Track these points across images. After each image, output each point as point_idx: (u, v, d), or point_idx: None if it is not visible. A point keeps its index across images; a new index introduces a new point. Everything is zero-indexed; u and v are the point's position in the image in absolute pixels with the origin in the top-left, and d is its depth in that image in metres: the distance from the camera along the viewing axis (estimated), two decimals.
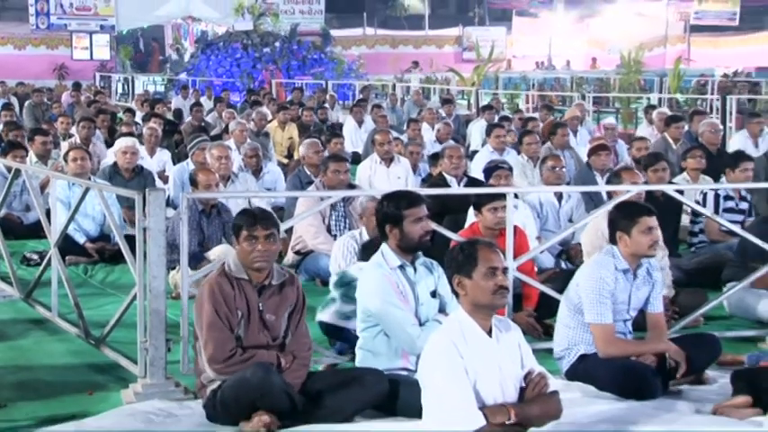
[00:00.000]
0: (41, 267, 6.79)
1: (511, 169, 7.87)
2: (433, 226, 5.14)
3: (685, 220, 8.19)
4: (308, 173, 8.94)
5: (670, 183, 7.78)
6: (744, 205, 7.95)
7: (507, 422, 3.55)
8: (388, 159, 9.79)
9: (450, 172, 8.48)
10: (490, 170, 7.71)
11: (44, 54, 34.59)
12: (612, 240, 5.12)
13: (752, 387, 4.66)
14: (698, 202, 7.62)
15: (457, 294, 3.68)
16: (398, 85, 24.34)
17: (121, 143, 9.59)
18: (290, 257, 7.77)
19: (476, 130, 14.32)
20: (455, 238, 5.77)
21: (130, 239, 5.30)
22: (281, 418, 4.36)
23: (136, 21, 35.41)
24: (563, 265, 7.50)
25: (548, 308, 5.86)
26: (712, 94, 20.95)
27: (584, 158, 9.82)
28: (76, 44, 35.15)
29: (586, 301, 4.97)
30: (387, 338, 4.80)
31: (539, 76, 31.51)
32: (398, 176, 9.65)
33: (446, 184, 8.29)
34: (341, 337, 5.48)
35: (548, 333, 5.78)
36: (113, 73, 32.00)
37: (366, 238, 6.20)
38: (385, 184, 9.17)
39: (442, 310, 4.86)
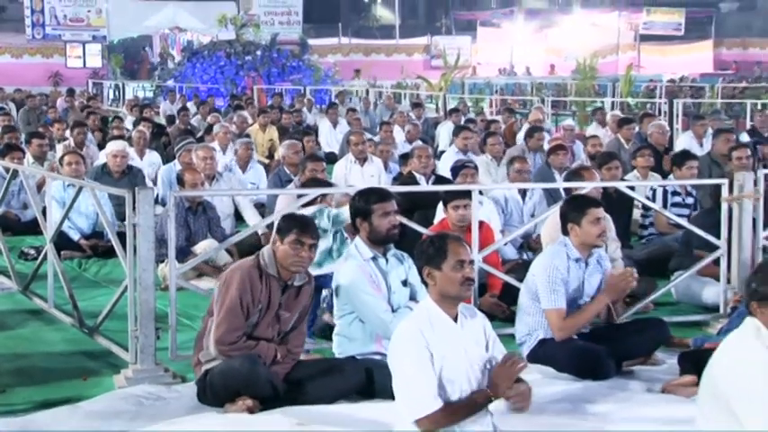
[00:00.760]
0: (38, 262, 6.75)
1: (476, 168, 7.88)
2: (403, 220, 5.14)
3: (636, 214, 8.24)
4: (288, 172, 8.93)
5: (622, 180, 7.83)
6: (689, 200, 8.01)
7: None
8: (362, 159, 9.80)
9: (420, 170, 8.48)
10: (457, 169, 7.72)
11: (40, 62, 34.36)
12: (565, 232, 5.14)
13: (697, 367, 4.66)
14: (648, 198, 7.66)
15: (426, 284, 3.68)
16: (371, 91, 24.34)
17: (112, 147, 9.50)
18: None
19: (443, 132, 14.34)
20: (425, 232, 5.79)
21: (122, 235, 5.26)
22: (265, 404, 4.35)
23: (126, 31, 35.16)
24: (525, 256, 7.52)
25: (511, 296, 5.88)
26: (660, 98, 21.09)
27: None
28: (70, 53, 34.97)
29: (541, 289, 4.98)
30: (361, 325, 4.81)
31: (501, 82, 31.60)
32: (372, 175, 9.67)
33: (415, 182, 8.29)
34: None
35: (511, 318, 5.79)
36: (105, 80, 31.77)
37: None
38: (359, 181, 9.15)
39: (412, 297, 4.89)
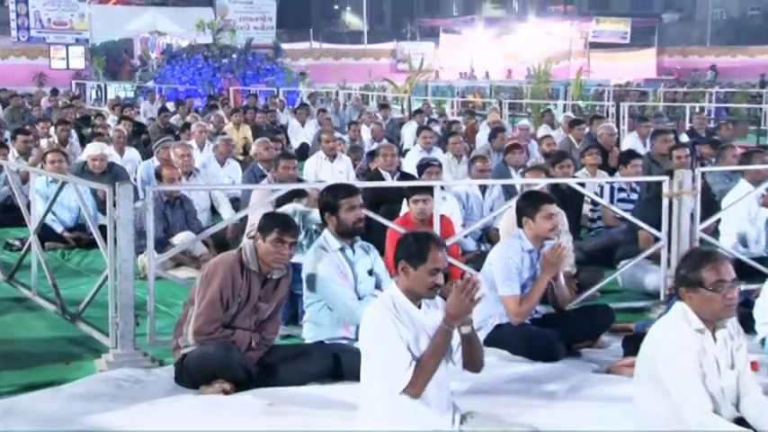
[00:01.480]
0: (22, 252, 6.67)
1: (441, 166, 7.90)
2: (369, 214, 5.14)
3: (586, 208, 8.30)
4: (261, 168, 8.89)
5: (573, 177, 7.88)
6: (634, 196, 8.07)
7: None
8: (332, 156, 9.77)
9: (385, 168, 8.48)
10: (423, 167, 7.71)
11: (25, 64, 33.86)
12: (520, 225, 5.17)
13: (639, 350, 4.74)
14: (596, 194, 7.73)
15: (395, 271, 3.64)
16: (341, 92, 24.28)
17: (89, 151, 9.28)
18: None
19: (408, 132, 14.33)
20: (390, 225, 5.80)
21: (104, 228, 5.21)
22: (239, 386, 4.35)
23: (108, 34, 34.78)
24: (483, 247, 7.55)
25: None
26: (608, 101, 21.25)
27: None
28: (54, 55, 34.51)
29: (498, 277, 5.01)
30: (329, 312, 4.82)
31: (462, 85, 31.70)
32: (341, 171, 9.64)
33: (381, 178, 8.30)
34: None
35: None
36: (88, 81, 31.35)
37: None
38: (329, 177, 9.13)
39: (378, 286, 4.91)
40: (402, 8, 51.87)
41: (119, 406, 4.22)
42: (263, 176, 8.47)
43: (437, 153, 10.23)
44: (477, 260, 6.50)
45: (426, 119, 15.17)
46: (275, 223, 4.47)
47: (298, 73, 28.60)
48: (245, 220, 7.57)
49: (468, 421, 3.61)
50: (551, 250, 5.01)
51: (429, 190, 6.11)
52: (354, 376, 3.78)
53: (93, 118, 14.32)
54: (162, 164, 8.42)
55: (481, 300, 3.52)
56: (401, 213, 6.84)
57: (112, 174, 9.09)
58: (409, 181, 7.47)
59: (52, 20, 34.18)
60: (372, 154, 9.69)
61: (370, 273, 4.93)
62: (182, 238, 7.13)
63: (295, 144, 14.56)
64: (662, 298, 6.14)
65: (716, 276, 3.31)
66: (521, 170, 8.57)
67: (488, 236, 7.66)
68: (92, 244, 7.41)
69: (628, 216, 6.62)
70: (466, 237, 7.00)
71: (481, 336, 5.02)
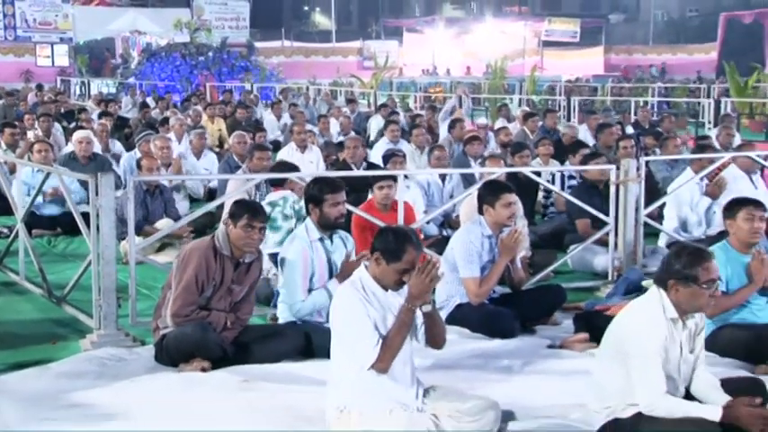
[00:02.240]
0: (10, 239, 6.54)
1: (405, 156, 7.88)
2: (351, 208, 5.08)
3: (540, 195, 8.34)
4: (236, 159, 8.81)
5: (528, 166, 7.90)
6: None
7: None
8: (303, 147, 9.72)
9: (350, 159, 8.46)
10: (388, 157, 7.69)
11: (12, 61, 33.35)
12: (480, 212, 5.17)
13: (589, 326, 4.79)
14: (549, 181, 7.76)
15: (363, 250, 3.58)
16: (311, 88, 24.17)
17: (77, 135, 9.28)
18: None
19: (374, 125, 14.31)
20: (356, 211, 5.77)
21: (87, 215, 5.13)
22: (216, 364, 4.32)
23: (91, 34, 34.32)
24: (445, 232, 7.55)
25: None
26: (560, 95, 21.43)
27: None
28: (40, 53, 34.14)
29: (459, 260, 5.02)
30: None
31: (425, 81, 31.65)
32: (311, 161, 9.59)
33: (348, 168, 8.27)
34: None
35: None
36: (72, 77, 30.95)
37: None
38: (300, 167, 9.06)
39: None
40: (368, 9, 51.67)
41: (103, 383, 4.18)
42: (238, 167, 8.41)
43: (402, 144, 10.21)
44: (439, 244, 6.51)
45: (390, 112, 15.13)
46: (245, 210, 4.44)
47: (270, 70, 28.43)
48: (221, 208, 7.51)
49: (430, 394, 3.61)
50: (509, 235, 5.02)
51: (393, 177, 6.09)
52: (325, 354, 3.76)
53: (77, 113, 14.07)
54: (143, 155, 8.34)
55: (440, 280, 3.48)
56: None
57: (97, 163, 8.99)
58: (375, 170, 7.45)
59: (38, 20, 33.91)
60: (341, 144, 9.65)
61: None
62: (162, 224, 7.08)
63: (271, 137, 14.40)
64: (609, 278, 6.19)
65: (709, 275, 3.36)
66: (479, 160, 8.59)
67: (449, 222, 7.67)
68: (75, 231, 7.34)
69: (574, 199, 6.65)
70: (428, 223, 7.00)
71: (443, 314, 5.04)
